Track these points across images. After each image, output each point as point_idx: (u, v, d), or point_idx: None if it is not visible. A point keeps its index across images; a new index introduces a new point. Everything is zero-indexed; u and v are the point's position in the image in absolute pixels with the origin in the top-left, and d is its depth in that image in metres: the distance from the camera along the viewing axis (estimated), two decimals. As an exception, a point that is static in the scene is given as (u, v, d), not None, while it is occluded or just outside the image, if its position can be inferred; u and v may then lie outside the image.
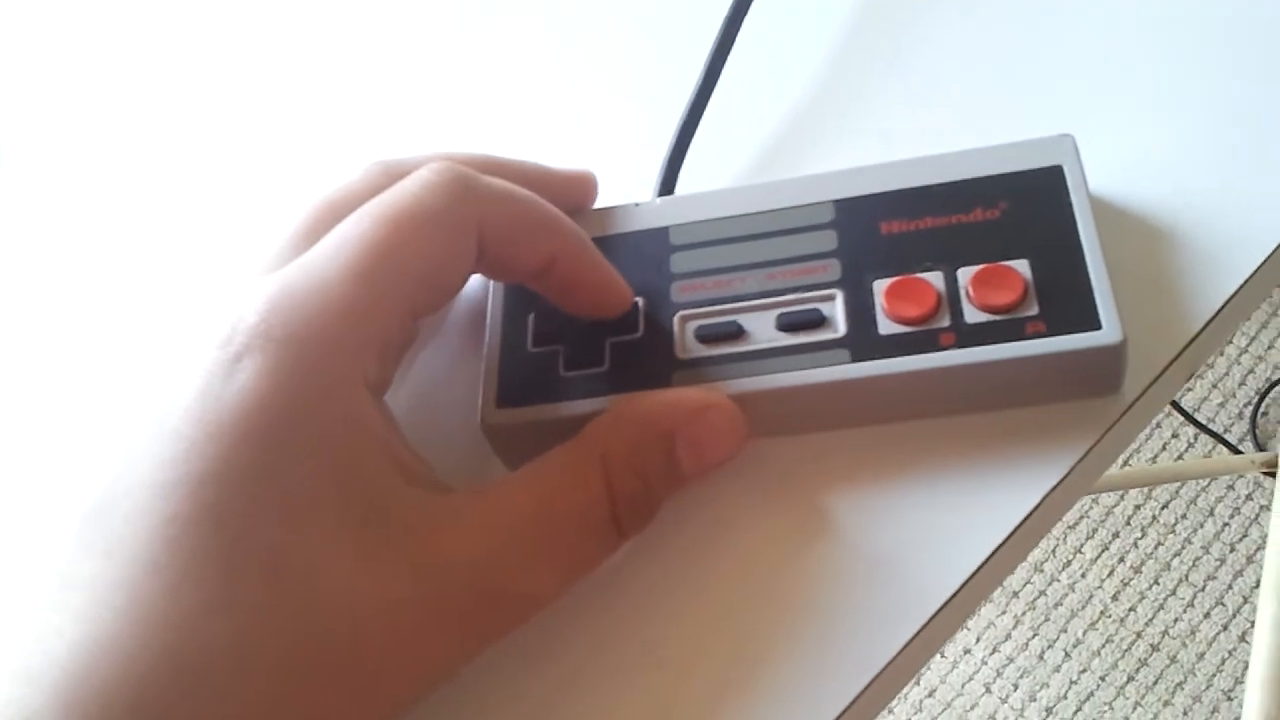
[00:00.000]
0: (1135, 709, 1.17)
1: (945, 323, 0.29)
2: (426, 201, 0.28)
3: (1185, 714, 1.16)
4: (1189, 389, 1.31)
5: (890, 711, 1.20)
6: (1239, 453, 1.24)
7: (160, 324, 0.38)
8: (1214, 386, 1.32)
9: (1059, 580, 1.24)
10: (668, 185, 0.36)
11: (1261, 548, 1.21)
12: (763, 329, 0.30)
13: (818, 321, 0.30)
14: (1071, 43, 0.36)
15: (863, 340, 0.30)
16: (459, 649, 0.27)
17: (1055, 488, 0.29)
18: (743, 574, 0.29)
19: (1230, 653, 1.18)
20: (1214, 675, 1.17)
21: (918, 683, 1.21)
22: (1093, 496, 1.27)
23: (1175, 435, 1.30)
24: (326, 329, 0.26)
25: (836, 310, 0.30)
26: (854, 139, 0.37)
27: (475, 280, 0.34)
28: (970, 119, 0.36)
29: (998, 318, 0.29)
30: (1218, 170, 0.33)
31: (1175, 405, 1.21)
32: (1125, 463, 1.29)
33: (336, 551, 0.25)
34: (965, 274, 0.30)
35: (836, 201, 0.32)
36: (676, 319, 0.31)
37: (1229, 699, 1.16)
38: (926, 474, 0.30)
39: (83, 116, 0.47)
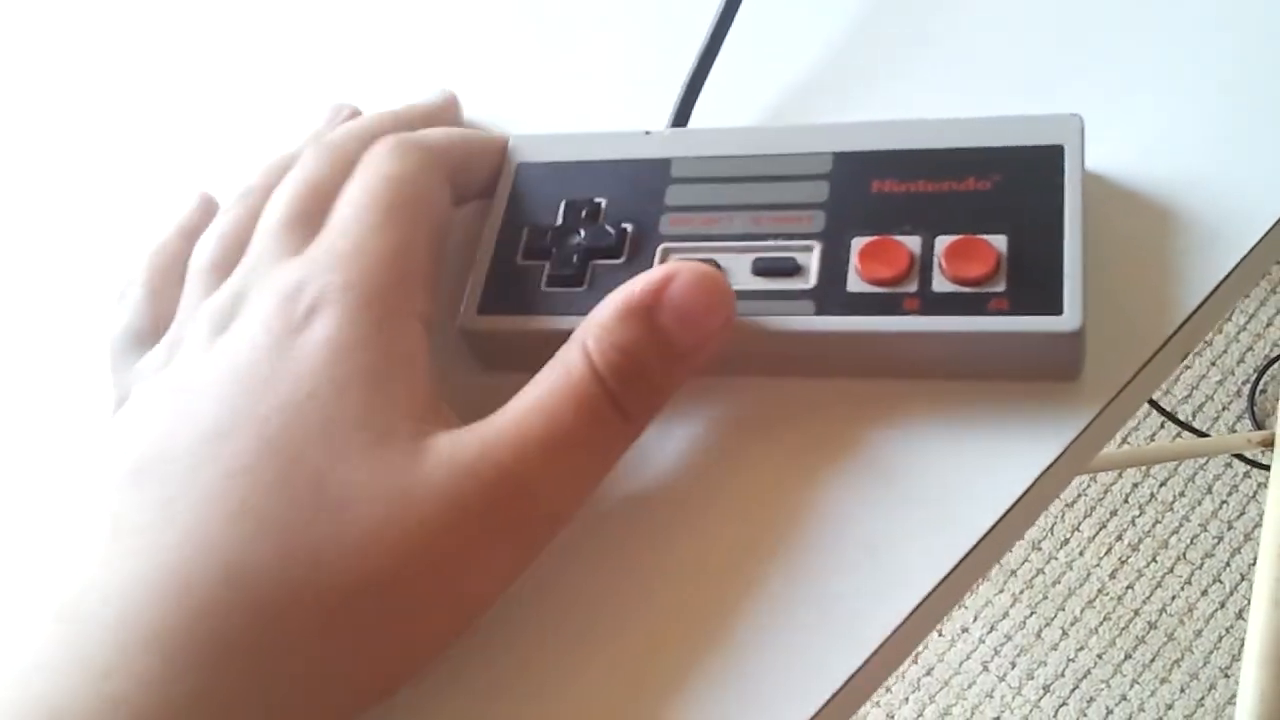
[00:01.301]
0: (1133, 686, 1.17)
1: (912, 288, 0.30)
2: (394, 163, 0.31)
3: (1182, 691, 1.16)
4: (1187, 366, 1.31)
5: (888, 689, 1.20)
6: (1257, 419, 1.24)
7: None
8: (1212, 364, 1.31)
9: (1056, 558, 1.24)
10: (681, 118, 0.36)
11: (1259, 525, 1.21)
12: (739, 270, 0.31)
13: (791, 270, 0.31)
14: (1083, 19, 0.36)
15: (829, 295, 0.30)
16: (496, 572, 0.27)
17: (1050, 467, 0.29)
18: (728, 550, 0.29)
19: (1228, 630, 1.18)
20: (1211, 652, 1.18)
21: (915, 661, 1.21)
22: (1090, 475, 1.27)
23: (1174, 413, 1.29)
24: (379, 273, 0.29)
25: (812, 261, 0.31)
26: (870, 91, 0.37)
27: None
28: (985, 86, 0.36)
29: (964, 290, 0.29)
30: (1217, 150, 0.33)
31: (1156, 407, 1.20)
32: (1123, 441, 1.29)
33: (375, 479, 0.26)
34: (943, 242, 0.30)
35: (836, 154, 0.32)
36: (660, 250, 0.32)
37: (1226, 676, 1.16)
38: (922, 446, 0.30)
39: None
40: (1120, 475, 1.27)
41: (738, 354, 0.31)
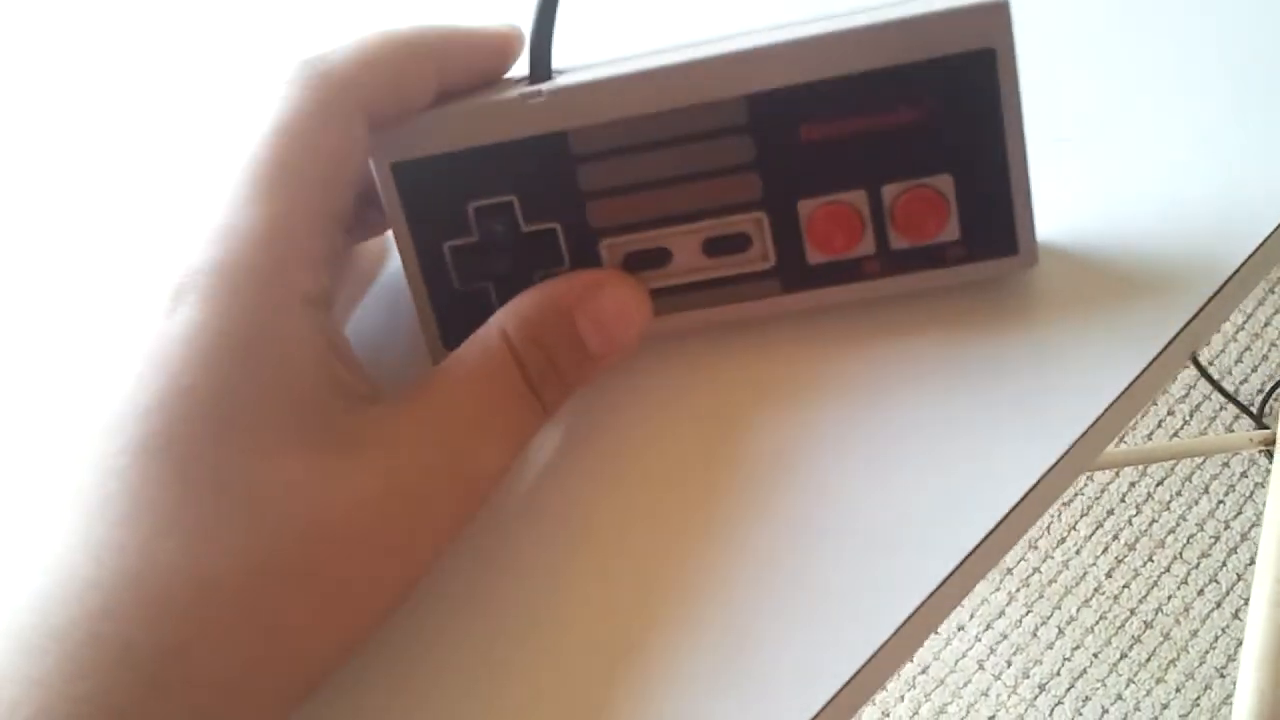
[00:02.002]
0: (1129, 686, 1.17)
1: (870, 250, 0.30)
2: (292, 103, 0.27)
3: (1178, 691, 1.16)
4: (1184, 366, 1.31)
5: (884, 688, 1.20)
6: (1257, 419, 1.24)
7: (103, 284, 0.38)
8: (1210, 363, 1.31)
9: (1053, 557, 1.24)
10: (540, 65, 0.30)
11: (1256, 525, 1.21)
12: (687, 252, 0.30)
13: (744, 246, 0.30)
14: None
15: (792, 271, 0.30)
16: (422, 547, 0.27)
17: (1055, 464, 0.29)
18: (728, 547, 0.29)
19: (1224, 630, 1.18)
20: (1208, 652, 1.18)
21: (911, 659, 1.21)
22: (1087, 473, 1.27)
23: (1171, 413, 1.29)
24: (251, 255, 0.26)
25: (764, 235, 0.30)
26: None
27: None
28: None
29: (921, 244, 0.30)
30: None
31: (1197, 365, 1.20)
32: (1120, 440, 1.29)
33: (281, 465, 0.25)
34: (889, 191, 0.30)
35: (750, 97, 0.29)
36: (604, 246, 0.30)
37: (1222, 676, 1.16)
38: (926, 444, 0.30)
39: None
40: (1117, 474, 1.27)
41: (705, 334, 0.31)
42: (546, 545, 0.30)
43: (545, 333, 0.29)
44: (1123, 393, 0.29)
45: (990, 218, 0.29)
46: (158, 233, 0.29)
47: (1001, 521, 0.28)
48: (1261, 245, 0.31)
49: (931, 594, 0.28)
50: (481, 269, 0.31)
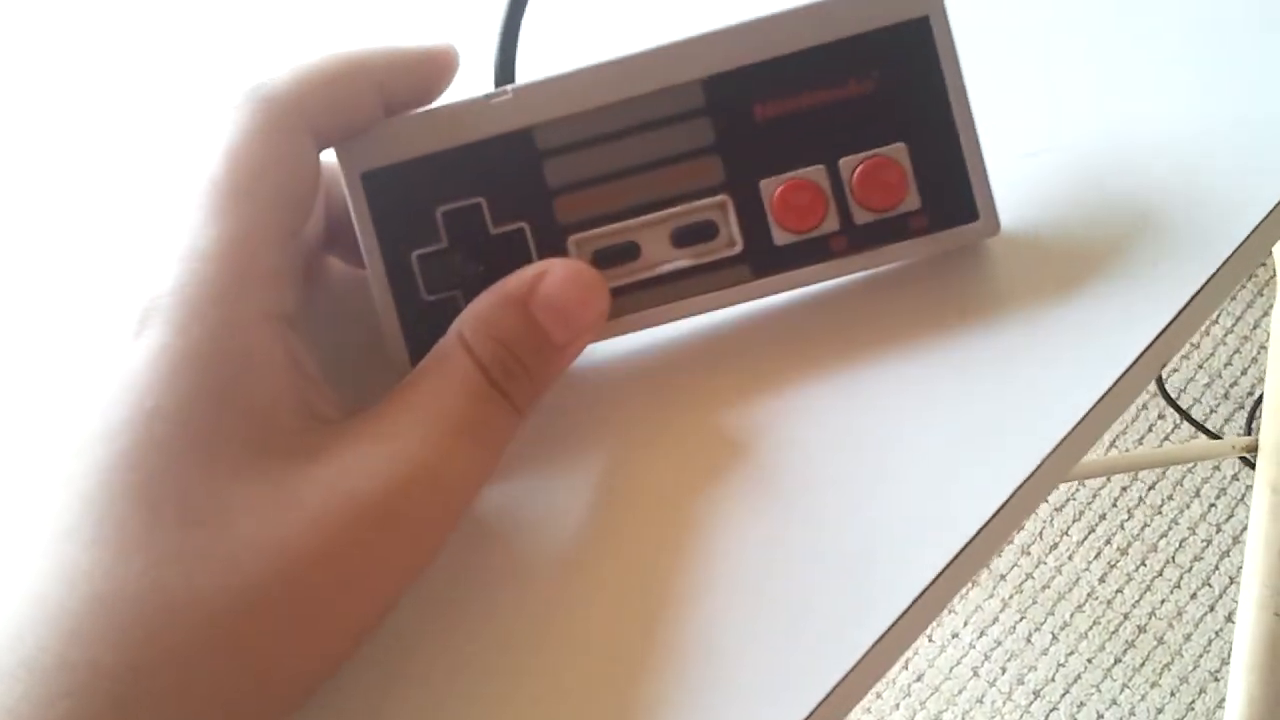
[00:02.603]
0: (1123, 690, 1.17)
1: (835, 226, 0.31)
2: (235, 126, 0.28)
3: (1172, 695, 1.16)
4: (1174, 369, 1.31)
5: (878, 696, 1.20)
6: (1217, 438, 1.24)
7: (71, 308, 0.38)
8: (1200, 367, 1.32)
9: (1045, 563, 1.24)
10: (505, 70, 0.33)
11: (1247, 528, 1.21)
12: (656, 243, 0.31)
13: (712, 233, 0.31)
14: None
15: (760, 254, 0.31)
16: (392, 566, 0.27)
17: (1051, 452, 0.29)
18: (707, 560, 0.29)
19: (1217, 634, 1.18)
20: (1201, 656, 1.18)
21: (905, 667, 1.21)
22: (1079, 479, 1.27)
23: (1161, 416, 1.30)
24: (211, 276, 0.26)
25: (730, 220, 0.31)
26: None
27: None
28: None
29: (884, 216, 0.31)
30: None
31: (1164, 394, 1.21)
32: (1110, 446, 1.29)
33: (241, 485, 0.25)
34: (847, 165, 0.30)
35: (704, 81, 0.30)
36: (571, 243, 0.31)
37: (1216, 680, 1.16)
38: (903, 458, 0.30)
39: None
40: (1108, 479, 1.27)
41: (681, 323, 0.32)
42: (522, 558, 0.30)
43: (503, 328, 0.29)
44: (1096, 403, 0.29)
45: (947, 185, 0.30)
46: (122, 256, 0.29)
47: (983, 528, 0.28)
48: (1234, 253, 0.31)
49: (909, 607, 0.28)
50: (450, 276, 0.31)
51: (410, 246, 0.31)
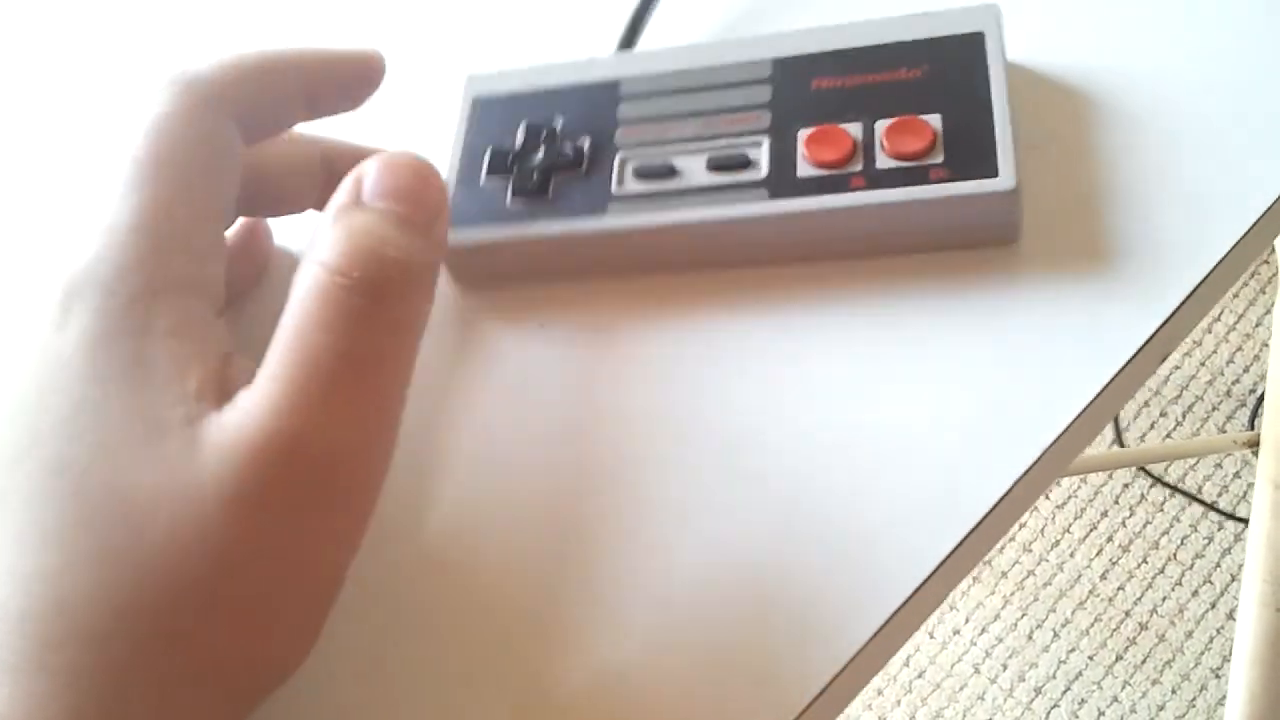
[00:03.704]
0: (1124, 687, 1.17)
1: (858, 167, 0.32)
2: (159, 107, 0.28)
3: (1174, 692, 1.16)
4: (1177, 366, 1.31)
5: (880, 693, 1.20)
6: (1222, 513, 1.24)
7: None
8: (1201, 364, 1.32)
9: (1047, 560, 1.24)
10: (627, 42, 0.39)
11: (1249, 524, 1.22)
12: (694, 169, 0.33)
13: (743, 163, 0.33)
14: None
15: (781, 181, 0.32)
16: (323, 543, 0.26)
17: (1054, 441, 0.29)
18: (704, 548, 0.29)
19: (1218, 630, 1.18)
20: (1202, 653, 1.18)
21: (907, 664, 1.21)
22: (1081, 476, 1.27)
23: (1164, 413, 1.30)
24: (126, 246, 0.26)
25: (762, 154, 0.33)
26: (809, 8, 0.39)
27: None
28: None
29: (906, 164, 0.31)
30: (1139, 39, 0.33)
31: (1150, 474, 1.20)
32: (1113, 442, 1.29)
33: (153, 478, 0.24)
34: (882, 125, 0.32)
35: (775, 60, 0.35)
36: (618, 158, 0.34)
37: (1217, 676, 1.16)
38: (917, 429, 0.30)
39: None
40: (1110, 476, 1.27)
41: (700, 247, 0.33)
42: (512, 544, 0.30)
43: (349, 225, 0.26)
44: (1099, 394, 0.29)
45: (973, 146, 0.31)
46: (44, 238, 0.29)
47: (980, 523, 0.28)
48: (1237, 243, 0.31)
49: (905, 601, 0.28)
50: (508, 165, 0.34)
51: (487, 145, 0.35)
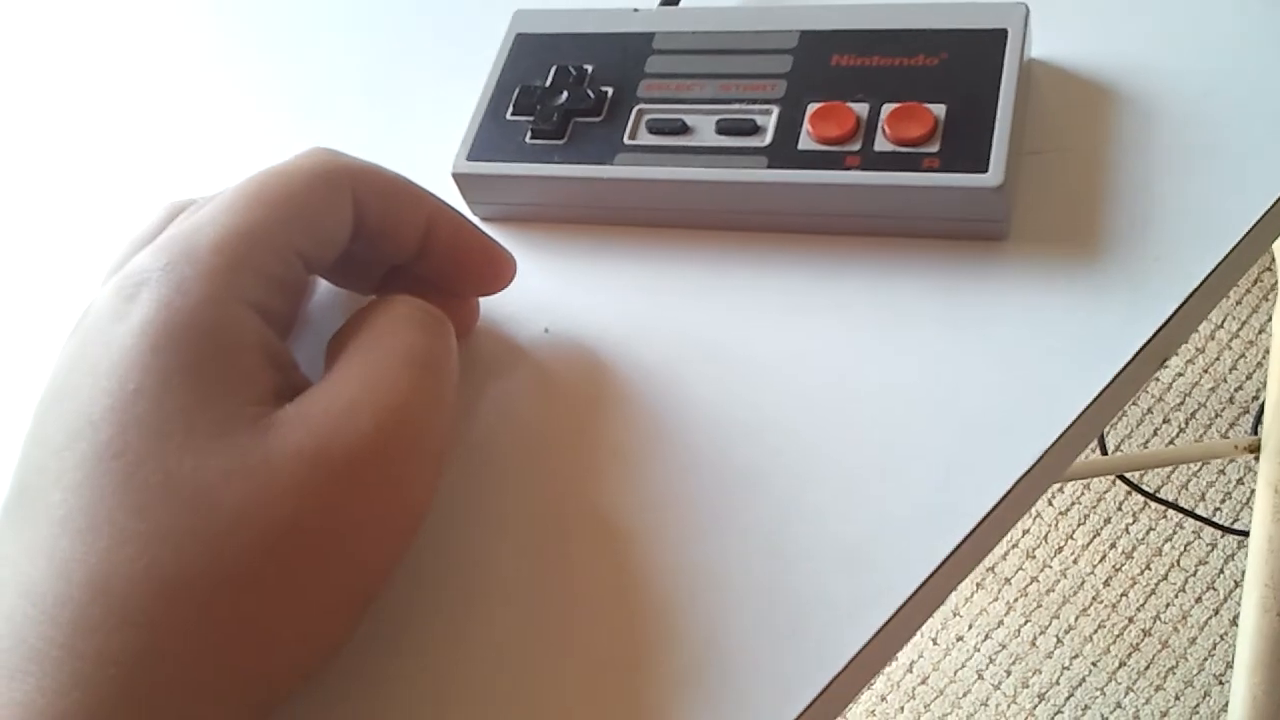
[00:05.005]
0: (1128, 694, 1.17)
1: (856, 147, 0.33)
2: (296, 161, 0.30)
3: (1177, 699, 1.16)
4: (1179, 374, 1.31)
5: (883, 699, 1.20)
6: (1219, 527, 1.24)
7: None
8: (1205, 371, 1.32)
9: (1051, 566, 1.24)
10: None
11: (1251, 530, 1.21)
12: (704, 129, 0.35)
13: (750, 130, 0.34)
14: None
15: (781, 151, 0.34)
16: (379, 521, 0.27)
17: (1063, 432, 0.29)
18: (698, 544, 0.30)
19: (1222, 637, 1.18)
20: (1206, 660, 1.17)
21: (910, 670, 1.21)
22: (1084, 482, 1.27)
23: (1166, 420, 1.30)
24: (203, 253, 0.27)
25: (770, 123, 0.34)
26: None
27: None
28: None
29: (901, 150, 0.33)
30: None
31: (1150, 495, 1.20)
32: (1117, 448, 1.29)
33: (222, 461, 0.25)
34: (888, 109, 0.33)
35: (802, 31, 0.36)
36: (635, 110, 0.36)
37: (1221, 683, 1.16)
38: (916, 432, 0.30)
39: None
40: (1114, 482, 1.27)
41: (698, 206, 0.35)
42: (508, 560, 0.30)
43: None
44: (1097, 396, 0.30)
45: (970, 142, 0.32)
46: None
47: (979, 525, 0.29)
48: (1236, 246, 0.31)
49: (905, 602, 0.28)
50: (532, 104, 0.36)
51: (519, 81, 0.37)
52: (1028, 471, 0.29)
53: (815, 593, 0.28)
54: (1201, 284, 0.31)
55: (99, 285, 0.29)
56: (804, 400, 0.31)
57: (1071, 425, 0.29)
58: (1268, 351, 1.31)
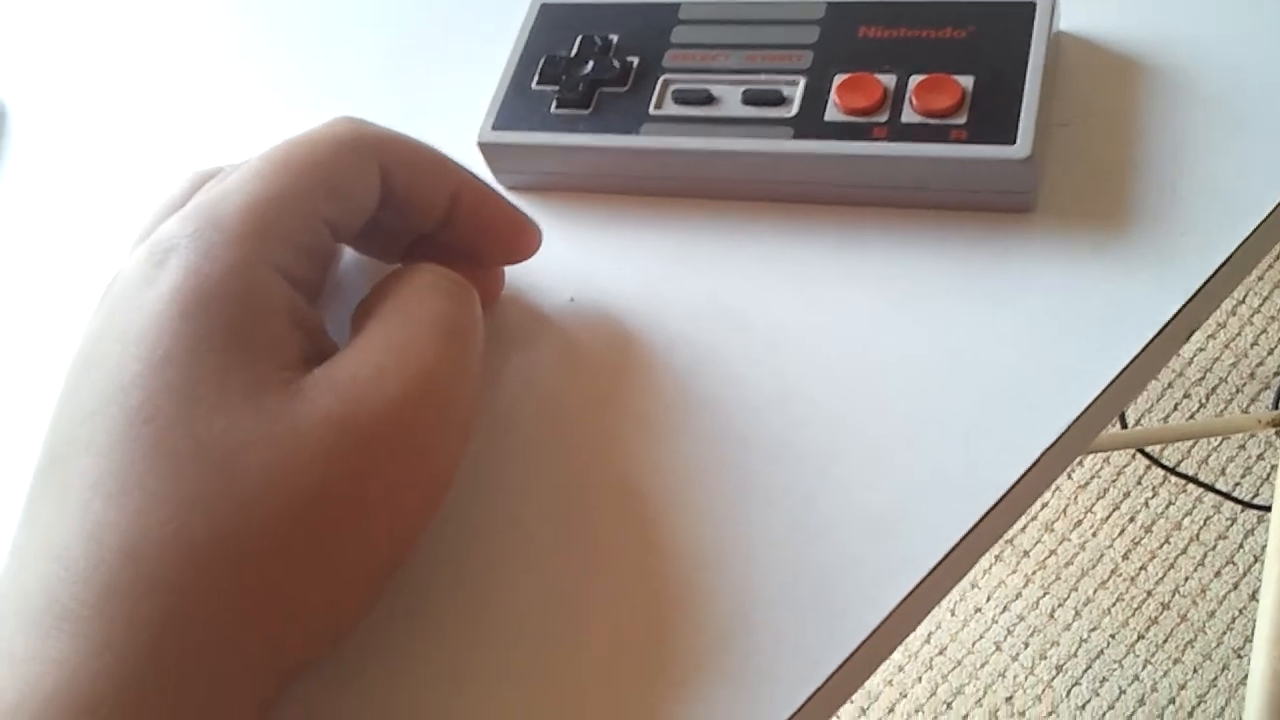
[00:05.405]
0: (1145, 666, 1.17)
1: (883, 118, 0.33)
2: (323, 129, 0.30)
3: (1195, 671, 1.16)
4: (1200, 349, 1.31)
5: (901, 669, 1.20)
6: (1239, 501, 1.23)
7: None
8: (1226, 346, 1.31)
9: (1070, 539, 1.24)
10: None
11: (1272, 505, 1.21)
12: (731, 99, 0.35)
13: (776, 100, 0.34)
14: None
15: (807, 122, 0.34)
16: (406, 487, 0.27)
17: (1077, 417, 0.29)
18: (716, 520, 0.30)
19: (1240, 611, 1.18)
20: (1224, 633, 1.17)
21: (928, 641, 1.22)
22: (1104, 455, 1.27)
23: (1187, 395, 1.29)
24: (231, 220, 0.28)
25: (796, 93, 0.34)
26: None
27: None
28: None
29: (929, 121, 0.33)
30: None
31: (1180, 474, 1.20)
32: (1137, 422, 1.29)
33: (251, 424, 0.25)
34: (915, 80, 0.33)
35: (830, 2, 0.36)
36: (660, 80, 0.36)
37: (1239, 657, 1.16)
38: (939, 403, 0.30)
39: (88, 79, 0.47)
40: (1134, 456, 1.27)
41: (723, 177, 0.35)
42: (532, 531, 0.31)
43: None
44: (1123, 370, 0.30)
45: (997, 112, 0.32)
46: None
47: (1002, 498, 0.29)
48: (1259, 226, 0.31)
49: (928, 574, 0.28)
50: (558, 74, 0.36)
51: (544, 52, 0.37)
52: (1052, 445, 0.29)
53: (840, 564, 0.29)
54: (1228, 259, 0.31)
55: (127, 253, 0.29)
56: (829, 371, 0.31)
57: (1096, 399, 0.29)
58: (1292, 326, 1.30)
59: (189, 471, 0.25)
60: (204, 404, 0.25)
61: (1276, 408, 1.26)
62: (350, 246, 0.34)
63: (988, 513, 0.28)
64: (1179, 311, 0.30)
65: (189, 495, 0.25)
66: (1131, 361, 0.30)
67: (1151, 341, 0.30)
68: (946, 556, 0.28)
